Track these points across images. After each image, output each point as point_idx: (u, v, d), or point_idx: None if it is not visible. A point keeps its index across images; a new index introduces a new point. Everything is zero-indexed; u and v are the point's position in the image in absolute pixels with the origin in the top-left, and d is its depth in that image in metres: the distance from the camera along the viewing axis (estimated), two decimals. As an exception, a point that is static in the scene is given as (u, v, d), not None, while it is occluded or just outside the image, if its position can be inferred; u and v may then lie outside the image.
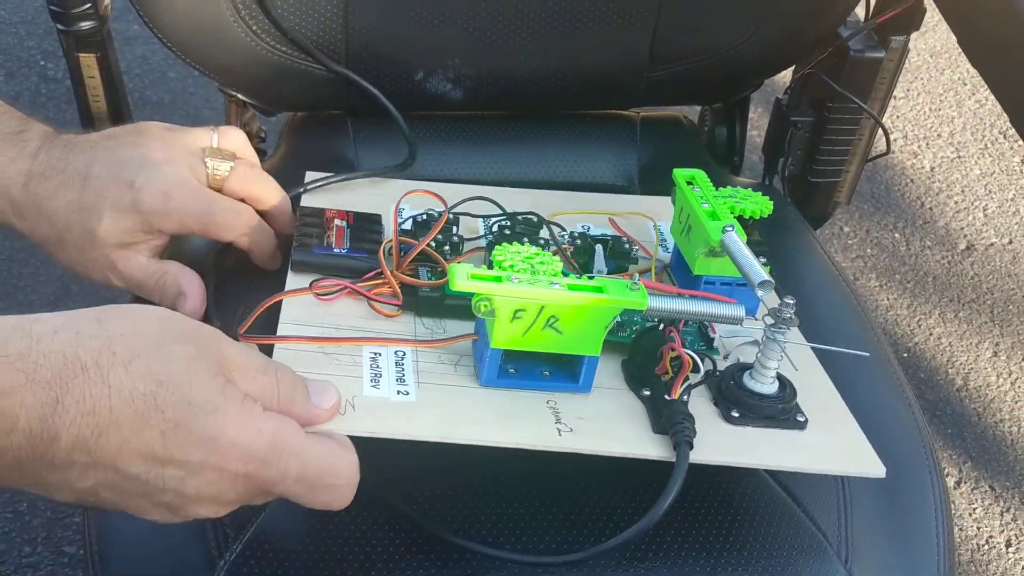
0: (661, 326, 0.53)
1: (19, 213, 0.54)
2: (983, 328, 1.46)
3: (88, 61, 0.70)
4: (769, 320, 0.50)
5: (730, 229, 0.54)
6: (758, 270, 0.51)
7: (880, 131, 0.78)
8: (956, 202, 1.67)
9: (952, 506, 0.63)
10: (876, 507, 0.57)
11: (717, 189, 0.58)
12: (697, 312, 0.50)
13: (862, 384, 0.63)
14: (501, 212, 0.63)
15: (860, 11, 0.75)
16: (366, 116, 0.78)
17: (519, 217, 0.62)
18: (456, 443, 0.47)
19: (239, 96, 0.77)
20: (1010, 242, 1.60)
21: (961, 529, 1.21)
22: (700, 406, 0.51)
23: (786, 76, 0.82)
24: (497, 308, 0.47)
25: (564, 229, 0.64)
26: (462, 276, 0.46)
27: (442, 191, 0.65)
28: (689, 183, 0.59)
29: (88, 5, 0.68)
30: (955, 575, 0.56)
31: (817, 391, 0.55)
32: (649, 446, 0.49)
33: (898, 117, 1.84)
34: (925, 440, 0.61)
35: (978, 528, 1.21)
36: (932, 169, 1.74)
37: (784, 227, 0.76)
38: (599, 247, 0.62)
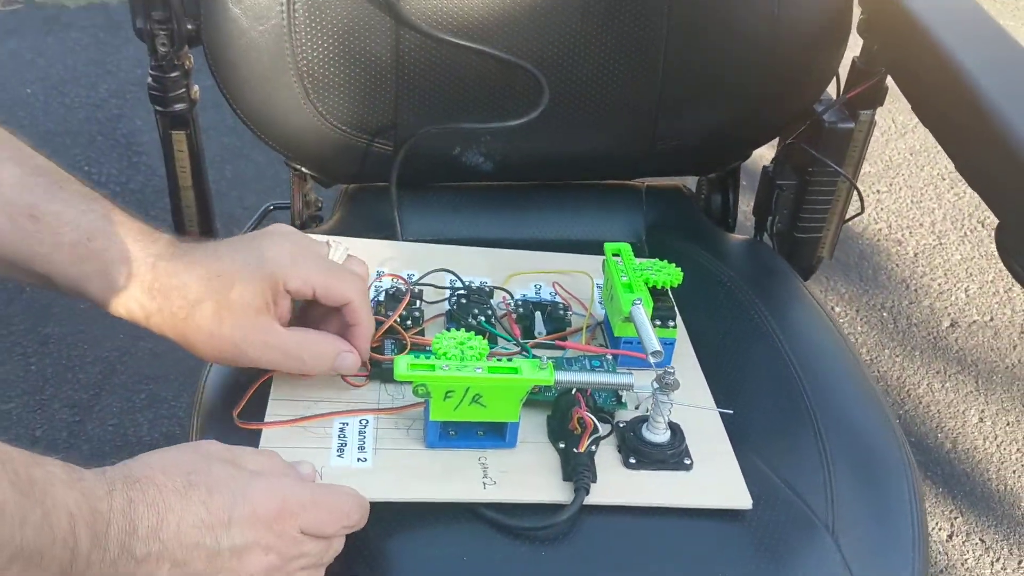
0: (574, 391, 0.64)
1: (149, 291, 0.58)
2: (968, 397, 1.55)
3: (179, 138, 0.83)
4: (655, 385, 0.61)
5: (638, 303, 0.66)
6: (652, 341, 0.63)
7: (855, 193, 0.90)
8: (939, 284, 1.79)
9: (923, 494, 0.72)
10: (857, 489, 0.67)
11: (638, 262, 0.70)
12: (595, 383, 0.63)
13: (845, 395, 0.74)
14: (461, 285, 0.75)
15: (833, 90, 0.89)
16: (408, 187, 0.90)
17: (474, 287, 0.74)
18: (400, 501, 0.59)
19: (302, 169, 0.89)
20: (991, 319, 1.71)
21: (955, 578, 1.28)
22: (607, 453, 0.64)
23: (772, 147, 0.95)
24: (431, 391, 0.58)
25: (512, 295, 0.76)
26: (403, 367, 0.58)
27: (416, 254, 0.79)
28: (615, 255, 0.71)
29: (182, 90, 0.81)
30: (927, 546, 0.65)
31: (711, 437, 0.66)
32: (556, 492, 0.61)
33: (883, 209, 1.98)
34: (898, 438, 0.71)
35: (971, 577, 1.29)
36: (916, 255, 1.86)
37: (775, 277, 0.88)
38: (538, 313, 0.74)
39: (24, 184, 0.58)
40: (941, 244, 1.89)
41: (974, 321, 1.71)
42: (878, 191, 2.03)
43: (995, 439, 1.48)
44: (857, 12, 0.84)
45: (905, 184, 2.05)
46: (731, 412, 0.67)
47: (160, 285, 0.58)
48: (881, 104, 0.85)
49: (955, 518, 1.36)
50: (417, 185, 0.90)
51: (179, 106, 0.82)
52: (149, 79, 0.80)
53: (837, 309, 1.72)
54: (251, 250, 0.60)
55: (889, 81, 0.84)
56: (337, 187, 0.94)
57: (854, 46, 0.85)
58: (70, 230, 0.58)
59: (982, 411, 1.53)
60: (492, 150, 0.88)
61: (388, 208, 0.88)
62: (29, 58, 2.29)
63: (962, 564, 1.30)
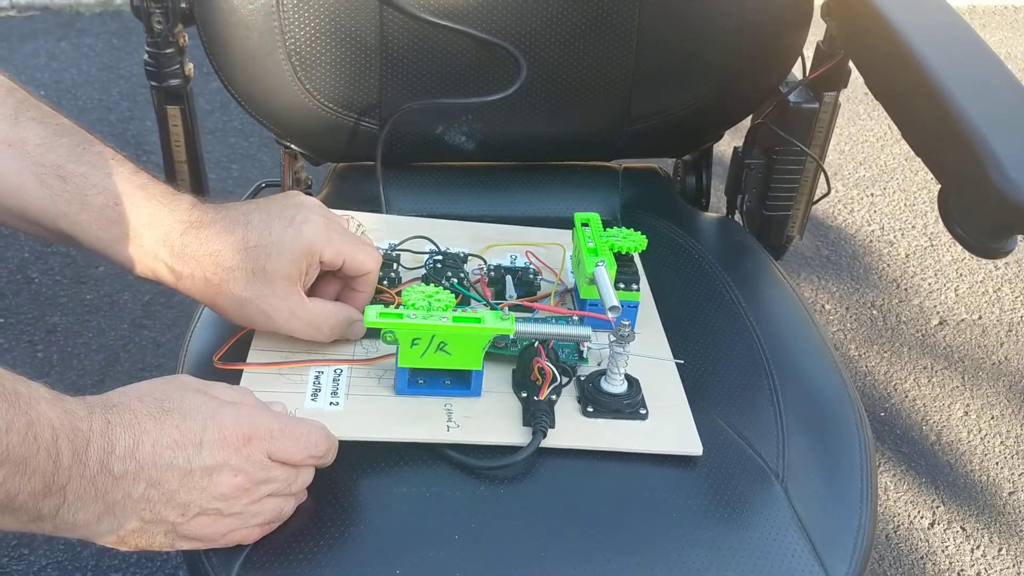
0: (536, 343, 0.67)
1: (180, 256, 0.61)
2: (955, 392, 1.58)
3: (173, 112, 0.87)
4: (612, 337, 0.65)
5: (601, 264, 0.69)
6: (611, 297, 0.67)
7: (823, 175, 0.93)
8: (929, 284, 1.82)
9: (874, 451, 0.75)
10: (809, 443, 0.70)
11: (605, 230, 0.74)
12: (554, 334, 0.66)
13: (804, 360, 0.77)
14: (437, 249, 0.79)
15: (800, 74, 0.92)
16: (394, 166, 0.93)
17: (450, 253, 0.78)
18: (368, 440, 0.63)
19: (292, 147, 0.93)
20: (980, 318, 1.74)
21: (935, 564, 1.30)
22: (568, 404, 0.67)
23: (743, 129, 0.98)
24: (399, 338, 0.62)
25: (486, 262, 0.79)
26: (373, 314, 0.61)
27: (399, 224, 0.83)
28: (584, 224, 0.74)
29: (177, 66, 0.86)
30: (875, 500, 0.68)
31: (668, 391, 0.70)
32: (516, 436, 0.64)
33: (876, 212, 2.01)
34: (852, 399, 0.74)
35: (950, 563, 1.30)
36: (907, 256, 1.89)
37: (744, 253, 0.91)
38: (509, 277, 0.78)
39: (50, 144, 0.61)
40: (933, 246, 1.91)
41: (962, 319, 1.73)
42: (872, 194, 2.06)
43: (979, 432, 1.50)
44: (820, -3, 0.88)
45: (899, 188, 2.08)
46: (681, 361, 0.71)
47: (192, 251, 0.61)
48: (845, 86, 0.89)
49: (937, 507, 1.38)
50: (403, 164, 0.94)
51: (174, 81, 0.86)
52: (145, 55, 0.85)
53: (828, 307, 1.75)
54: (286, 221, 0.62)
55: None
56: (326, 165, 0.98)
57: (820, 31, 0.89)
58: (97, 192, 0.60)
59: (967, 405, 1.55)
60: (474, 129, 0.92)
61: (375, 185, 0.92)
62: (44, 62, 2.35)
63: (943, 551, 1.32)
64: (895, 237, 1.94)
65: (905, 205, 2.03)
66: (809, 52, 0.90)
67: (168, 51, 0.84)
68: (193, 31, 0.85)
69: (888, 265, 1.86)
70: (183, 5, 0.82)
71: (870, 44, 0.80)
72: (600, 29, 0.87)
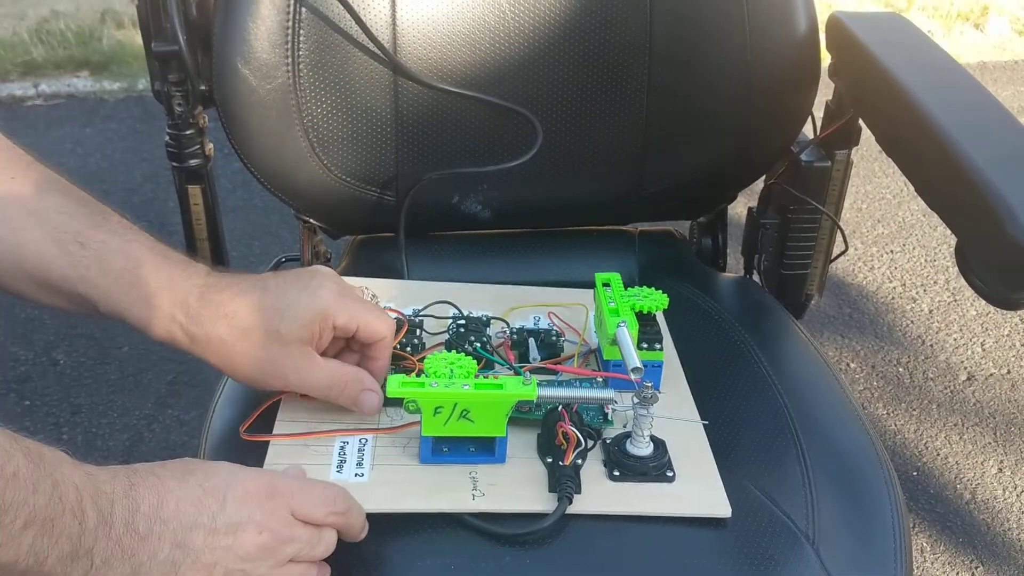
0: (560, 407, 0.67)
1: (196, 318, 0.62)
2: (987, 448, 1.55)
3: (194, 191, 0.89)
4: (636, 400, 0.65)
5: (622, 324, 0.69)
6: (633, 358, 0.66)
7: (839, 232, 0.93)
8: (955, 339, 1.80)
9: (907, 511, 0.74)
10: (839, 504, 0.69)
11: (626, 290, 0.74)
12: (577, 397, 0.66)
13: (829, 418, 0.77)
14: (459, 313, 0.80)
15: (811, 132, 0.93)
16: (410, 237, 0.94)
17: (472, 317, 0.79)
18: (394, 511, 0.62)
19: (311, 221, 0.94)
20: (1008, 372, 1.72)
21: (976, 627, 1.27)
22: (594, 468, 0.66)
23: (757, 189, 0.99)
24: (422, 406, 0.62)
25: (509, 325, 0.80)
26: (395, 384, 0.61)
27: (421, 290, 0.83)
28: (605, 284, 0.75)
29: (197, 146, 0.88)
30: (910, 560, 0.67)
31: (695, 453, 0.69)
32: (541, 503, 0.63)
33: (897, 268, 2.00)
34: (881, 457, 0.73)
35: (993, 625, 1.27)
36: (931, 311, 1.88)
37: (764, 312, 0.91)
38: (532, 339, 0.78)
39: (71, 212, 0.63)
40: (956, 301, 1.90)
41: (991, 374, 1.71)
42: (892, 251, 2.05)
43: (1015, 489, 1.47)
44: (827, 57, 0.89)
45: (919, 244, 2.07)
46: (707, 423, 0.70)
47: (208, 313, 0.62)
48: (856, 144, 0.89)
49: (976, 567, 1.35)
50: (419, 234, 0.95)
51: (194, 162, 0.88)
52: (166, 137, 0.87)
53: (853, 365, 1.73)
54: (301, 286, 0.64)
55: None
56: (345, 238, 1.00)
57: (829, 90, 0.90)
58: (116, 257, 0.62)
59: (1001, 462, 1.52)
60: (489, 198, 0.93)
61: (393, 256, 0.93)
62: (69, 148, 2.40)
63: (983, 613, 1.28)
64: (917, 293, 1.93)
65: (926, 261, 2.02)
66: (819, 112, 0.91)
67: (188, 132, 0.86)
68: (213, 112, 0.87)
69: (912, 322, 1.85)
70: (203, 87, 0.84)
71: (878, 102, 0.80)
72: (611, 92, 0.89)
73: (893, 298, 1.92)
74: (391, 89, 0.87)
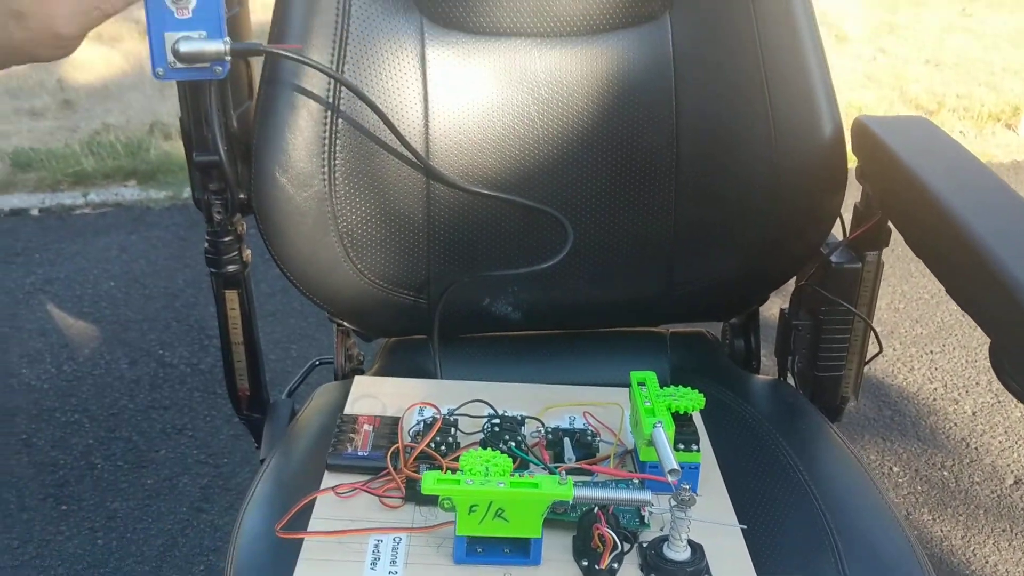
0: (596, 509, 0.66)
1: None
2: (1039, 555, 1.50)
3: (231, 297, 0.91)
4: (672, 502, 0.64)
5: (658, 425, 0.69)
6: (670, 460, 0.66)
7: (873, 333, 0.93)
8: (1000, 442, 1.76)
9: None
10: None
11: (662, 390, 0.73)
12: (613, 499, 0.65)
13: (867, 524, 0.75)
14: (494, 413, 0.80)
15: (840, 233, 0.93)
16: (441, 338, 0.95)
17: (507, 416, 0.78)
18: None
19: (345, 324, 0.96)
20: (1058, 476, 1.67)
21: None
22: (629, 570, 0.65)
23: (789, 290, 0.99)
24: (456, 504, 0.62)
25: (544, 424, 0.79)
26: (430, 481, 0.62)
27: (456, 390, 0.83)
28: (641, 384, 0.74)
29: (235, 253, 0.90)
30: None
31: (733, 558, 0.67)
32: None
33: (937, 370, 1.97)
34: (922, 565, 0.71)
35: None
36: (974, 413, 1.84)
37: (799, 416, 0.90)
38: (567, 439, 0.77)
39: None
40: (1000, 402, 1.86)
41: (1040, 478, 1.66)
42: (931, 352, 2.02)
43: (1070, 599, 1.41)
44: (854, 160, 0.90)
45: (959, 344, 2.04)
46: (745, 527, 0.69)
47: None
48: (886, 245, 0.90)
49: None
50: (451, 336, 0.96)
51: (232, 268, 0.90)
52: (205, 244, 0.89)
53: (896, 469, 1.70)
54: None
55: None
56: (378, 341, 1.01)
57: (858, 191, 0.91)
58: None
59: (1054, 570, 1.47)
60: (520, 299, 0.94)
61: (425, 358, 0.94)
62: (115, 255, 2.47)
63: None
64: (959, 395, 1.89)
65: (967, 362, 1.99)
66: (848, 212, 0.92)
67: (227, 239, 0.89)
68: (251, 219, 0.90)
69: (955, 424, 1.81)
70: (241, 196, 0.87)
71: (906, 204, 0.81)
72: (639, 194, 0.90)
73: (935, 400, 1.88)
74: (423, 194, 0.89)
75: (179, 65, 0.71)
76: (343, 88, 0.84)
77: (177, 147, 3.02)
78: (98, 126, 3.17)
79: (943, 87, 3.59)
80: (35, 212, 2.70)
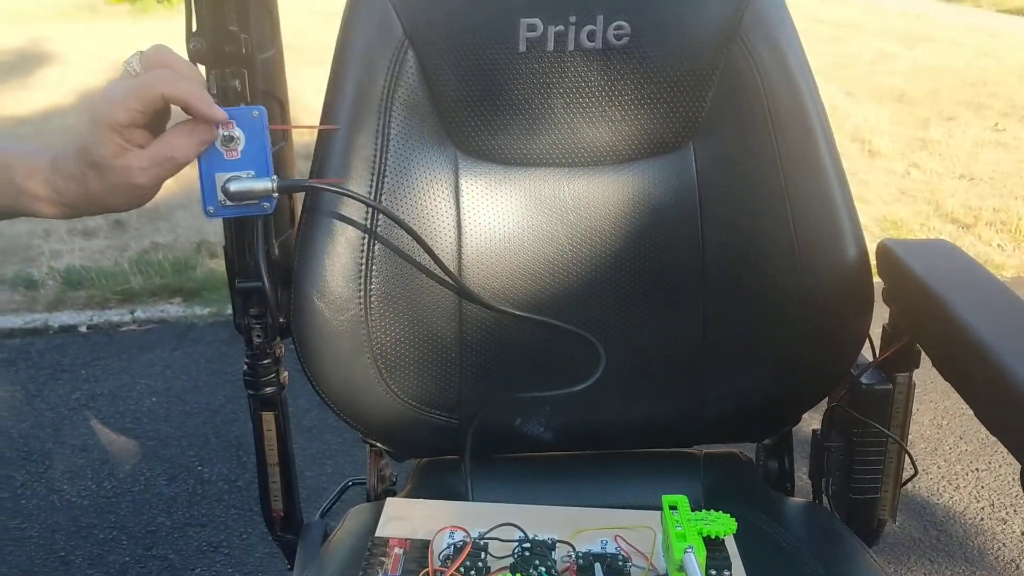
0: None
1: (57, 189, 0.70)
2: None
3: (268, 418, 0.93)
4: None
5: (689, 550, 0.69)
6: None
7: (907, 455, 0.92)
8: (1053, 564, 1.70)
9: None
10: None
11: (693, 512, 0.74)
12: None
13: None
14: (524, 536, 0.79)
15: (869, 354, 0.94)
16: (472, 459, 0.96)
17: (537, 540, 0.78)
18: None
19: (377, 445, 0.97)
20: (1115, 601, 1.60)
21: None
22: None
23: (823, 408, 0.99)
24: None
25: (574, 548, 0.79)
26: None
27: (486, 512, 0.83)
28: (672, 507, 0.74)
29: (273, 375, 0.92)
30: None
31: None
32: None
33: (983, 487, 1.92)
34: None
35: None
36: (1023, 533, 1.78)
37: (835, 540, 0.89)
38: (598, 564, 0.77)
39: None
40: (1050, 523, 1.81)
41: (1096, 604, 1.60)
42: (977, 469, 1.98)
43: None
44: (880, 282, 0.91)
45: (1004, 461, 2.00)
46: None
47: (60, 182, 0.69)
48: (916, 367, 0.90)
49: None
50: (483, 456, 0.97)
51: (269, 389, 0.92)
52: (244, 366, 0.92)
53: (944, 593, 1.64)
54: (83, 113, 0.68)
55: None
56: (410, 461, 1.02)
57: (886, 311, 0.91)
58: None
59: None
60: (552, 420, 0.95)
61: (457, 478, 0.94)
62: (158, 371, 2.51)
63: None
64: (1007, 514, 1.84)
65: (1013, 479, 1.94)
66: (878, 332, 0.93)
67: (265, 362, 0.91)
68: (288, 342, 0.92)
69: (1004, 544, 1.76)
70: (281, 320, 0.90)
71: (932, 327, 0.82)
72: (667, 314, 0.92)
73: (982, 519, 1.83)
74: (456, 316, 0.91)
75: (229, 203, 0.75)
76: (380, 216, 0.88)
77: (222, 265, 3.10)
78: (147, 245, 3.28)
79: (979, 201, 3.60)
80: (83, 329, 2.77)
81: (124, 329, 2.78)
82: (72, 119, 0.77)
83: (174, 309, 2.86)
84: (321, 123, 0.89)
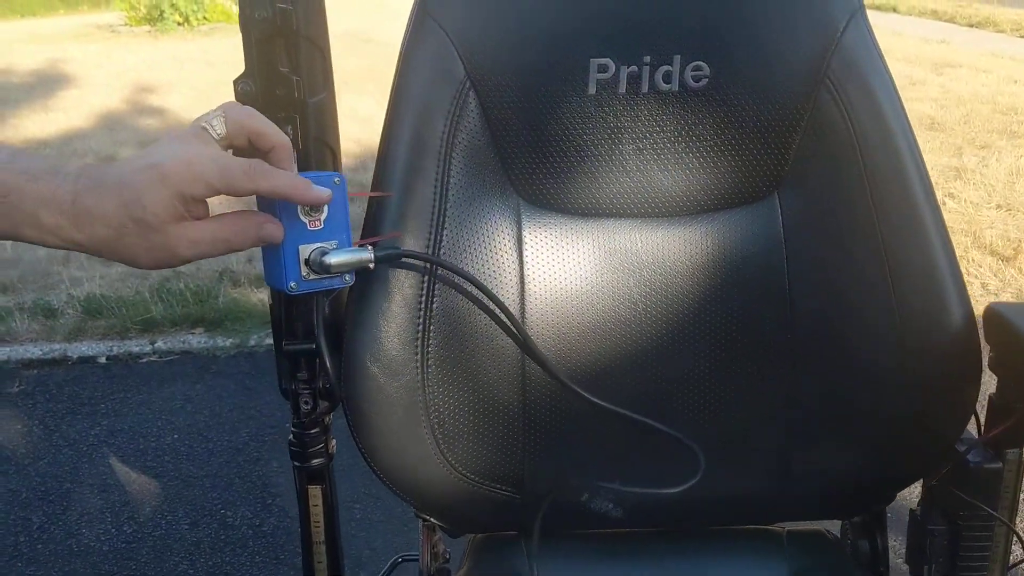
0: None
1: (77, 224, 0.61)
2: None
3: (315, 492, 0.85)
4: None
5: None
6: None
7: (1017, 538, 0.84)
8: None
9: None
10: None
11: None
12: None
13: None
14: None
15: (974, 428, 0.85)
16: (539, 536, 0.88)
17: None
18: None
19: (431, 520, 0.89)
20: None
21: None
22: None
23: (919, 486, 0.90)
24: None
25: None
26: None
27: None
28: None
29: (321, 445, 0.85)
30: None
31: None
32: None
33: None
34: None
35: None
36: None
37: (937, 633, 0.81)
38: None
39: None
40: None
41: None
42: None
43: None
44: (987, 349, 0.83)
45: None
46: None
47: (84, 221, 0.61)
48: (1026, 443, 0.82)
49: None
50: (545, 534, 0.89)
51: (317, 461, 0.85)
52: (291, 436, 0.84)
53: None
54: (148, 165, 0.61)
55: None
56: (466, 537, 0.94)
57: (993, 381, 0.83)
58: None
59: None
60: (623, 496, 0.87)
61: (517, 557, 0.87)
62: (180, 405, 2.44)
63: None
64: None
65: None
66: (982, 402, 0.84)
67: (313, 431, 0.83)
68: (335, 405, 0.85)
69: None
70: (329, 385, 0.82)
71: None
72: (751, 381, 0.84)
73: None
74: (519, 382, 0.83)
75: (312, 276, 0.68)
76: (438, 272, 0.81)
77: (245, 294, 3.04)
78: (168, 273, 3.21)
79: (1018, 232, 3.51)
80: (103, 360, 2.71)
81: (144, 360, 2.71)
82: (127, 166, 0.71)
83: (196, 340, 2.80)
84: (377, 167, 0.82)
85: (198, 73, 6.84)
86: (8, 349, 2.75)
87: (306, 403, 0.82)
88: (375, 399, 0.81)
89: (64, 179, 0.62)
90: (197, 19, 9.30)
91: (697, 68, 0.82)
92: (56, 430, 2.33)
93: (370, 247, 0.72)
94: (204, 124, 0.63)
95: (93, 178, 0.62)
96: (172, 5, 9.07)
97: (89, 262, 3.32)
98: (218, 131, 0.63)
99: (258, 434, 2.30)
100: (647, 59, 0.82)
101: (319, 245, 0.70)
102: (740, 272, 0.85)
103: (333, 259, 0.69)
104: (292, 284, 0.69)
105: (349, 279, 0.72)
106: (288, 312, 0.80)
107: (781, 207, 0.85)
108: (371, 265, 0.72)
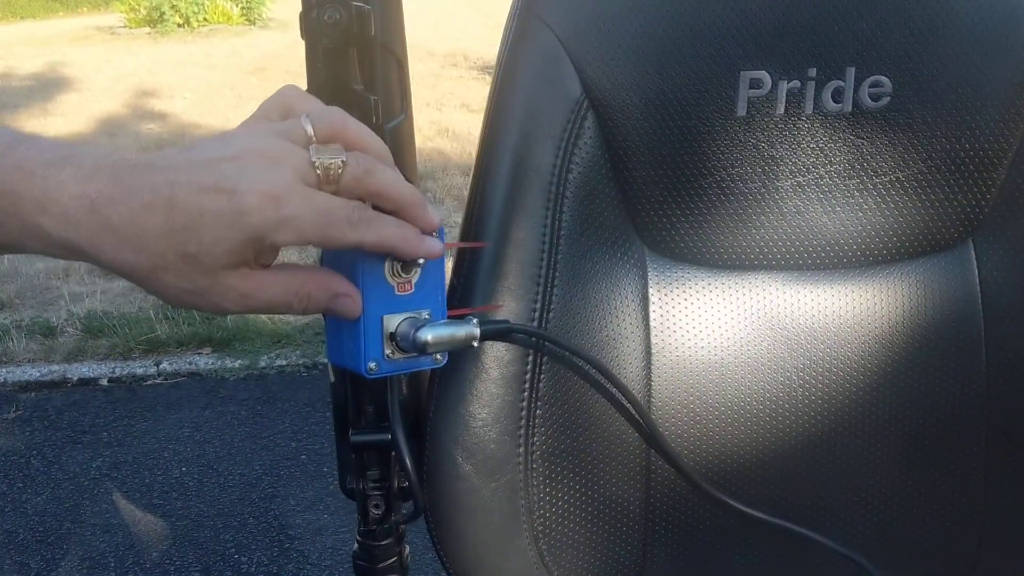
0: None
1: (94, 244, 0.45)
2: None
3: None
4: None
5: None
6: None
7: None
8: None
9: None
10: None
11: None
12: None
13: None
14: None
15: None
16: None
17: None
18: None
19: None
20: None
21: None
22: None
23: None
24: None
25: None
26: None
27: None
28: None
29: (394, 559, 0.67)
30: None
31: None
32: None
33: None
34: None
35: None
36: None
37: None
38: None
39: None
40: None
41: None
42: None
43: None
44: None
45: None
46: None
47: (105, 240, 0.44)
48: None
49: None
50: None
51: (389, 580, 0.67)
52: (355, 547, 0.66)
53: None
54: (219, 189, 0.44)
55: None
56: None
57: None
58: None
59: None
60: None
61: None
62: (188, 433, 2.27)
63: None
64: None
65: None
66: None
67: (385, 542, 0.66)
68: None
69: None
70: (407, 486, 0.65)
71: None
72: (938, 477, 0.68)
73: None
74: (642, 482, 0.66)
75: (397, 355, 0.51)
76: (547, 345, 0.63)
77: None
78: (173, 287, 3.04)
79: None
80: (104, 382, 2.54)
81: (149, 383, 2.54)
82: (182, 175, 0.57)
83: (203, 361, 2.62)
84: (468, 207, 0.65)
85: (200, 76, 6.66)
86: (4, 370, 2.58)
87: (376, 507, 0.64)
88: (466, 504, 0.64)
89: (75, 176, 0.44)
90: (198, 21, 9.11)
91: (876, 84, 0.65)
92: (55, 462, 2.15)
93: (474, 319, 0.55)
94: (317, 158, 0.46)
95: (122, 181, 0.44)
96: (172, 6, 8.88)
97: (90, 275, 3.14)
98: (333, 172, 0.47)
99: (272, 467, 2.13)
100: (812, 72, 0.65)
101: (409, 315, 0.53)
102: (924, 341, 0.67)
103: (430, 335, 0.52)
104: (372, 365, 0.52)
105: (441, 358, 0.55)
106: (356, 394, 0.62)
107: (977, 257, 0.68)
108: (475, 343, 0.55)
